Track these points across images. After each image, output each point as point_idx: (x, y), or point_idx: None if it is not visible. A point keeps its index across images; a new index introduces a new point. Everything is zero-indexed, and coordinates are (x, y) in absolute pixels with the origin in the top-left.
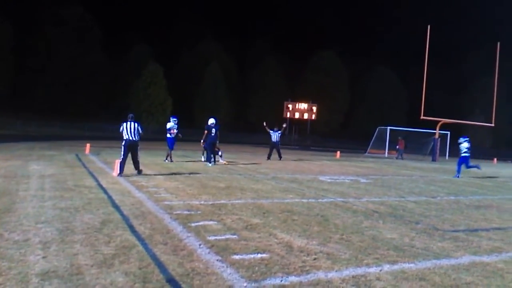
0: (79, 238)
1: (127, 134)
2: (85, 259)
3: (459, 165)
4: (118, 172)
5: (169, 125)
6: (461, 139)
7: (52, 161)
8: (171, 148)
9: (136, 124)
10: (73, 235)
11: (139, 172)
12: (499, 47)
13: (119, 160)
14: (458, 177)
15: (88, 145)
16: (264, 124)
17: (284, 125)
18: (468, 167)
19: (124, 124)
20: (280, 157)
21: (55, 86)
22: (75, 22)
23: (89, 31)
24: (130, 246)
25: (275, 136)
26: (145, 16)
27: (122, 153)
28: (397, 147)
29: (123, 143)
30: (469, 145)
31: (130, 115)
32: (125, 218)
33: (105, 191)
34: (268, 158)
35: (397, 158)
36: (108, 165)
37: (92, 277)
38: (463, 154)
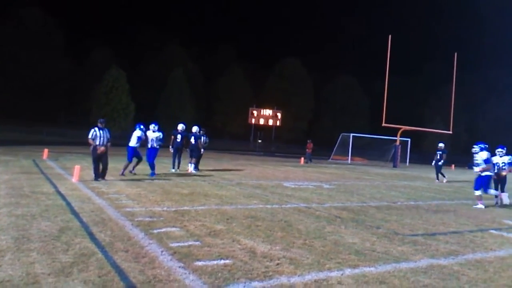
0: (36, 246)
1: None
2: (42, 268)
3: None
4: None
5: (139, 133)
6: (137, 128)
7: (7, 167)
8: (130, 160)
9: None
10: (30, 243)
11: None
12: (456, 57)
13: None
14: (153, 175)
15: (46, 150)
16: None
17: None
18: (148, 162)
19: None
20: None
21: (12, 90)
22: (35, 25)
23: (50, 35)
24: (89, 253)
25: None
26: (107, 20)
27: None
28: (307, 150)
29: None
30: (159, 135)
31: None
32: (85, 225)
33: (63, 197)
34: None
35: (306, 162)
36: (67, 171)
37: (49, 286)
38: (151, 146)
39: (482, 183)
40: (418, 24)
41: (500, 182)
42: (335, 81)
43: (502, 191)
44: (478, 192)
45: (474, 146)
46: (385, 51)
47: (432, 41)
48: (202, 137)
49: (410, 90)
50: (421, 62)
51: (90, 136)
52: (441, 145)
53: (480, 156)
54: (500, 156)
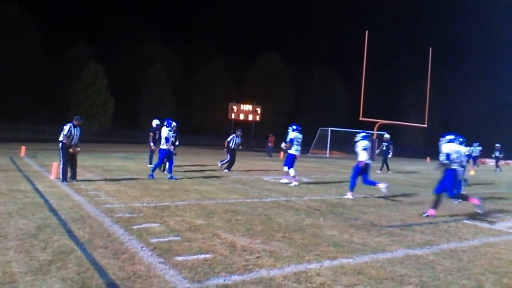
0: (13, 244)
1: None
2: (19, 267)
3: None
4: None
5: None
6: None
7: None
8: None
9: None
10: (6, 242)
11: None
12: (431, 52)
13: None
14: None
15: (23, 147)
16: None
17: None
18: None
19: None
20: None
21: None
22: (10, 19)
23: (26, 29)
24: (68, 251)
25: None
26: (85, 15)
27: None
28: (268, 144)
29: None
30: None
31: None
32: (63, 223)
33: (41, 195)
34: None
35: (270, 156)
36: (45, 168)
37: (27, 285)
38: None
39: (287, 160)
40: (394, 17)
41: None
42: (314, 75)
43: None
44: (285, 168)
45: (289, 127)
46: (363, 45)
47: (408, 33)
48: (236, 138)
49: (387, 84)
50: (398, 55)
51: (66, 132)
52: (386, 136)
53: (289, 136)
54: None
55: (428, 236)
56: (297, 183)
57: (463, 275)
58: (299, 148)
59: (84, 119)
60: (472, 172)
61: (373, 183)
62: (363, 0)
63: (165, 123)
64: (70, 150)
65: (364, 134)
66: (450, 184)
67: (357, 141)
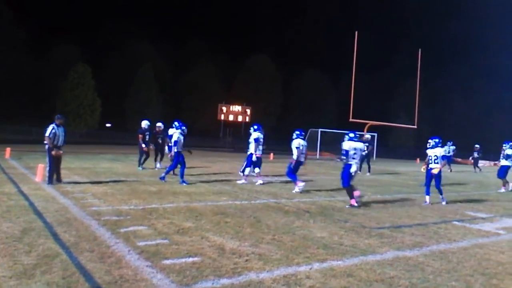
0: None
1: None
2: (3, 271)
3: None
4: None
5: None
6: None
7: None
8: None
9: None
10: None
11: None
12: (420, 54)
13: None
14: None
15: (8, 149)
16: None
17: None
18: None
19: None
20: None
21: None
22: None
23: (11, 29)
24: (53, 255)
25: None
26: (73, 15)
27: None
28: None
29: None
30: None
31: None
32: (48, 226)
33: (26, 197)
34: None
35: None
36: (30, 170)
37: None
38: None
39: (249, 159)
40: (384, 18)
41: (434, 177)
42: (304, 76)
43: (437, 187)
44: (256, 170)
45: (251, 128)
46: (353, 46)
47: (398, 35)
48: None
49: (377, 85)
50: (388, 56)
51: (48, 134)
52: (367, 136)
53: (253, 136)
54: (431, 148)
55: (418, 238)
56: (246, 181)
57: (453, 276)
58: (260, 147)
59: (67, 118)
60: (435, 171)
61: (294, 178)
62: (353, 1)
63: (176, 125)
64: (53, 153)
65: (298, 132)
66: (346, 176)
67: (294, 139)
